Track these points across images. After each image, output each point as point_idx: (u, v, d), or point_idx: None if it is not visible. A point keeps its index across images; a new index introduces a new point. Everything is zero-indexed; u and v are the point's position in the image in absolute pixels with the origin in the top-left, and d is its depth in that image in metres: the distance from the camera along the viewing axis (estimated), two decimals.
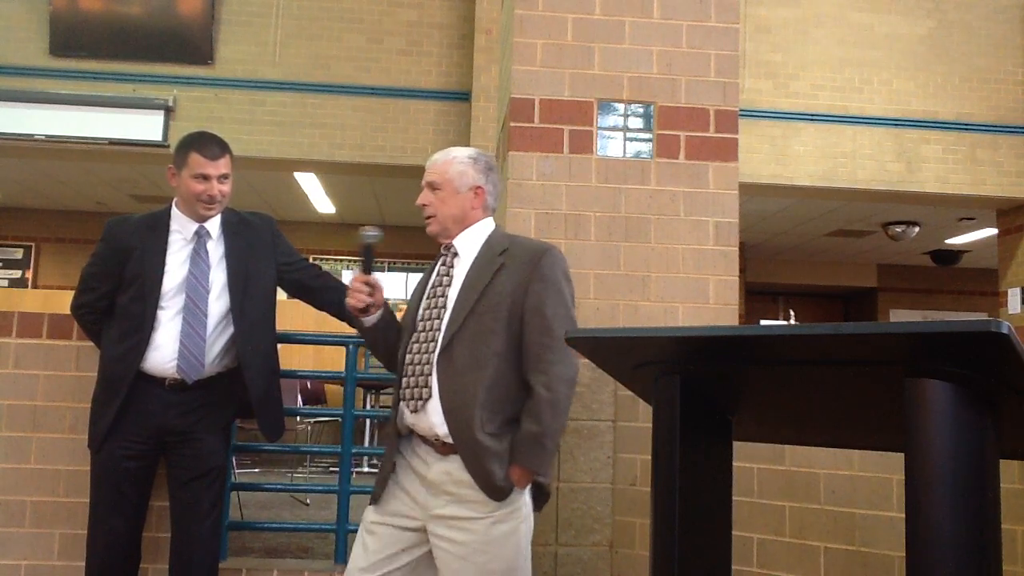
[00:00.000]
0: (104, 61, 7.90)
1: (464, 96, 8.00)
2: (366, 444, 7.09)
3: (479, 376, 2.06)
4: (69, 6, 7.85)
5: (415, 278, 11.54)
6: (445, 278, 2.20)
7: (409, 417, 2.13)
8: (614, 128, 3.09)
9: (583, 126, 3.08)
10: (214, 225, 2.65)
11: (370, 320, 2.23)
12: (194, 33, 7.92)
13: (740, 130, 3.14)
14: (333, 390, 6.90)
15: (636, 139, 3.09)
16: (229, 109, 7.86)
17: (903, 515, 1.15)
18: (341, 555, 3.24)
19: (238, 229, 2.69)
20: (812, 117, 7.97)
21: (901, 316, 12.70)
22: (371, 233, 2.20)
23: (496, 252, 2.18)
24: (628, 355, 1.53)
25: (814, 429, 1.64)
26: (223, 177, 2.59)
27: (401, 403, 2.15)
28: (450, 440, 2.07)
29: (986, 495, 1.13)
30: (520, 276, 2.12)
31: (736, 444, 1.57)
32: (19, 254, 11.57)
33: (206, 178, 2.56)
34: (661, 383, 1.44)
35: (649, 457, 1.49)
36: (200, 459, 2.59)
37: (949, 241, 11.11)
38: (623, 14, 3.11)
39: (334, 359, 6.27)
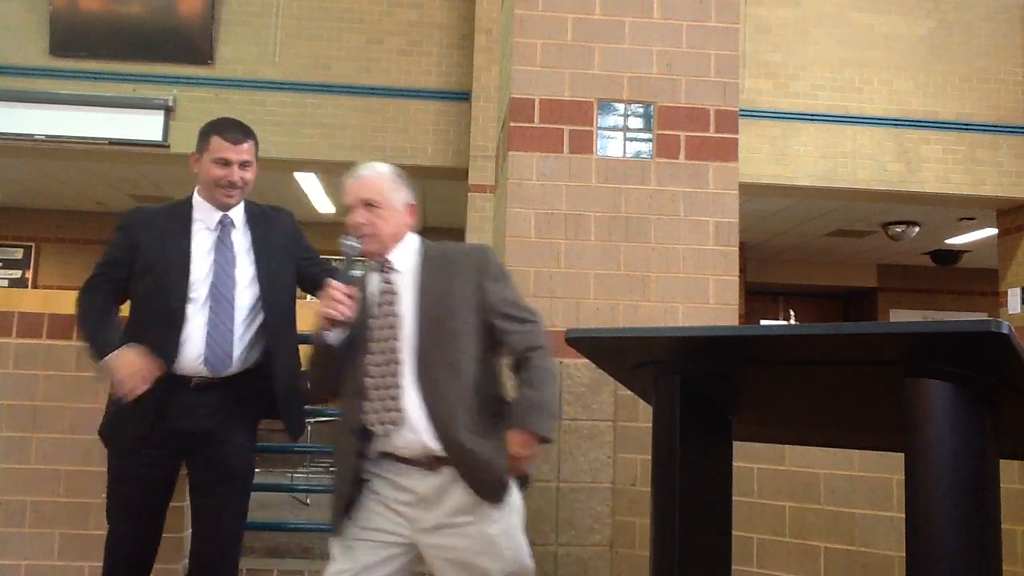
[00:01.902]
0: (104, 61, 7.90)
1: (464, 96, 8.01)
2: None
3: (459, 383, 2.07)
4: (69, 6, 7.85)
5: None
6: (390, 295, 2.16)
7: (387, 442, 2.09)
8: (614, 128, 3.09)
9: (583, 126, 3.08)
10: (238, 215, 2.55)
11: (337, 337, 2.13)
12: (194, 33, 7.92)
13: (740, 130, 3.14)
14: None
15: (636, 139, 3.09)
16: (229, 109, 7.85)
17: (903, 515, 1.15)
18: None
19: (260, 221, 2.59)
20: (812, 117, 7.97)
21: (901, 316, 12.70)
22: (354, 244, 2.13)
23: (439, 260, 2.19)
24: (628, 355, 1.53)
25: (814, 429, 1.64)
26: (245, 164, 2.49)
27: (370, 427, 2.09)
28: (441, 454, 2.05)
29: (986, 495, 1.13)
30: (471, 279, 2.14)
31: (736, 444, 1.57)
32: (19, 254, 11.57)
33: (227, 163, 2.46)
34: (661, 383, 1.44)
35: (649, 457, 1.49)
36: (228, 462, 2.49)
37: (949, 241, 11.11)
38: (623, 14, 3.11)
39: None
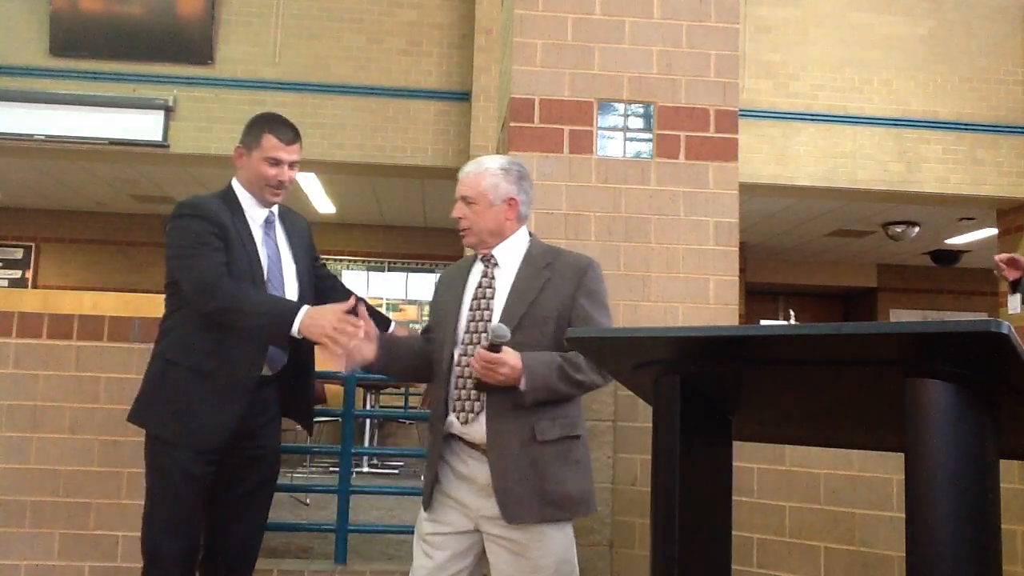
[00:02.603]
0: (104, 61, 7.90)
1: (464, 96, 8.01)
2: (366, 444, 7.09)
3: None
4: (69, 6, 7.85)
5: (415, 278, 11.53)
6: (488, 290, 2.20)
7: (458, 427, 2.15)
8: (614, 128, 3.09)
9: (583, 126, 3.08)
10: (274, 210, 2.53)
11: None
12: (194, 33, 7.92)
13: (740, 130, 3.14)
14: (333, 390, 6.90)
15: (636, 139, 3.09)
16: (229, 109, 7.86)
17: (903, 515, 1.15)
18: (341, 555, 3.24)
19: (287, 220, 2.58)
20: (812, 117, 7.97)
21: (901, 316, 12.70)
22: (505, 331, 2.03)
23: (540, 265, 2.20)
24: (628, 355, 1.53)
25: (814, 429, 1.64)
26: (294, 163, 2.46)
27: (451, 414, 2.15)
28: (472, 439, 2.13)
29: (986, 495, 1.13)
30: (566, 289, 2.16)
31: (736, 444, 1.57)
32: (19, 254, 11.56)
33: (278, 163, 2.41)
34: (661, 383, 1.44)
35: (649, 457, 1.48)
36: (267, 462, 2.47)
37: (949, 241, 11.10)
38: (623, 14, 3.11)
39: None
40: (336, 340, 2.16)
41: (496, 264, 2.23)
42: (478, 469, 2.12)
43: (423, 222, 11.14)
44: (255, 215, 2.47)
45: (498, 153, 3.61)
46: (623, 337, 1.59)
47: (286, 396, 2.52)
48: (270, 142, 2.41)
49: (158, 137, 7.78)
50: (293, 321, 2.23)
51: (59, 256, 11.54)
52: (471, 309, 2.19)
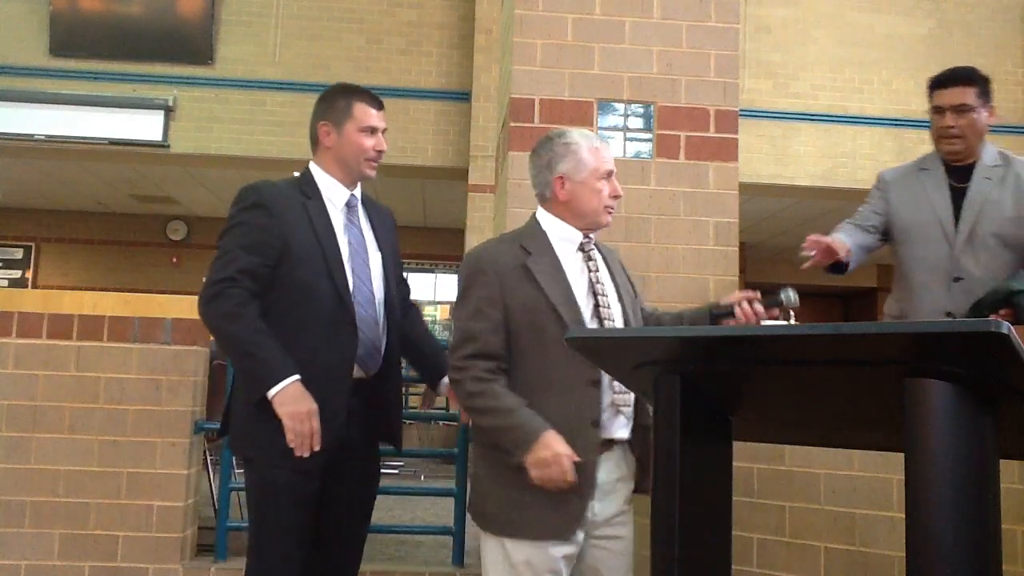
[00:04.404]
0: (104, 61, 7.91)
1: (464, 96, 8.01)
2: None
3: None
4: (69, 6, 7.85)
5: (415, 278, 11.54)
6: (599, 273, 2.06)
7: (621, 431, 2.00)
8: (614, 128, 3.09)
9: (583, 126, 3.07)
10: (356, 192, 2.27)
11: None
12: (194, 33, 7.93)
13: (740, 130, 3.13)
14: None
15: (636, 139, 3.09)
16: (229, 109, 7.86)
17: (903, 515, 1.15)
18: None
19: (370, 206, 2.33)
20: (812, 117, 7.98)
21: None
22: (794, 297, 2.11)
23: (607, 250, 2.21)
24: (628, 355, 1.53)
25: (814, 429, 1.64)
26: (385, 131, 2.26)
27: (616, 417, 1.98)
28: (619, 438, 2.00)
29: (986, 495, 1.13)
30: (625, 274, 2.23)
31: (736, 444, 1.57)
32: (19, 254, 11.57)
33: (374, 131, 2.21)
34: (661, 383, 1.44)
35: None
36: (375, 475, 2.31)
37: None
38: (623, 14, 3.11)
39: None
40: (299, 428, 1.99)
41: (597, 249, 2.12)
42: (629, 466, 2.06)
43: (423, 222, 11.14)
44: (335, 198, 2.21)
45: (498, 154, 3.62)
46: (623, 337, 1.59)
47: (383, 404, 2.23)
48: (363, 111, 2.20)
49: (158, 137, 7.79)
50: (279, 381, 1.99)
51: (59, 256, 11.55)
52: (597, 294, 2.02)
